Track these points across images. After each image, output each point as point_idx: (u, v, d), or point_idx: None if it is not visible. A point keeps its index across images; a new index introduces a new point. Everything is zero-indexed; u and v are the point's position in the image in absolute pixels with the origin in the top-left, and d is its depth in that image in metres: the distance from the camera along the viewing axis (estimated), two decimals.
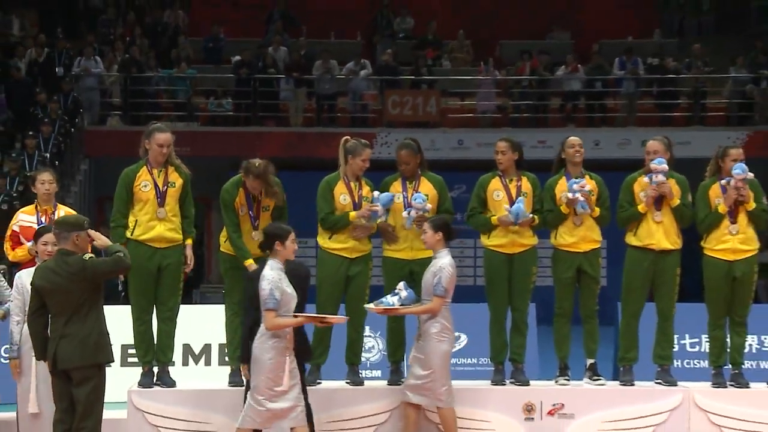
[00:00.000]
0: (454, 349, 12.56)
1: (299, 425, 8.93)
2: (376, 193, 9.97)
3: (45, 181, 10.29)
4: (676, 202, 10.09)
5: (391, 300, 9.56)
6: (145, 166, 9.90)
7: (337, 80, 24.77)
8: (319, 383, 10.16)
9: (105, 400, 8.79)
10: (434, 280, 9.49)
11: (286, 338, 8.91)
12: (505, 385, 10.24)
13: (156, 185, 9.86)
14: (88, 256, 8.56)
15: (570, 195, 10.05)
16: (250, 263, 9.74)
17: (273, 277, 8.86)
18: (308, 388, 10.05)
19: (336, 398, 10.06)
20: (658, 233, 10.16)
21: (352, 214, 9.95)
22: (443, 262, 9.55)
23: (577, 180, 10.09)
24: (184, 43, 26.19)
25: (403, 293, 9.55)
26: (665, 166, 9.99)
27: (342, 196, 10.02)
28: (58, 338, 8.42)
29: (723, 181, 10.09)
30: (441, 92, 25.01)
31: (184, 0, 28.00)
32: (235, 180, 9.99)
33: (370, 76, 25.01)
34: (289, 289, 8.94)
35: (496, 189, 10.24)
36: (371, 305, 9.65)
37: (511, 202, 10.11)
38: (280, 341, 8.87)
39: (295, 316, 9.01)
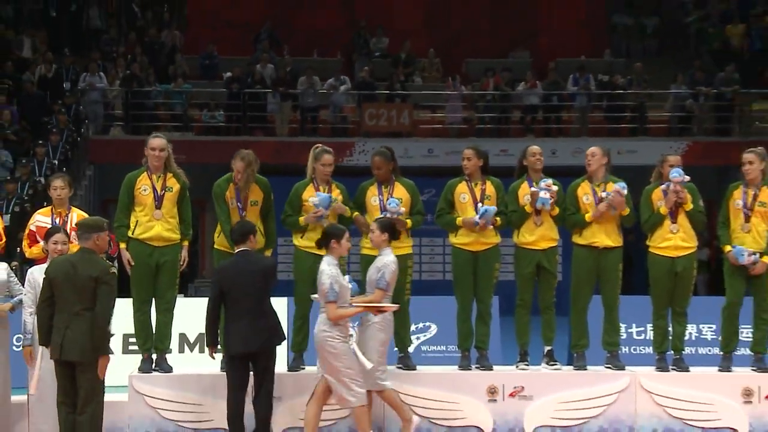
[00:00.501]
0: (425, 338, 12.70)
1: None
2: (312, 199, 9.97)
3: (57, 187, 10.25)
4: (627, 211, 10.17)
5: None
6: (145, 172, 9.94)
7: (319, 94, 24.78)
8: (303, 369, 10.17)
9: (108, 384, 8.80)
10: (378, 275, 9.49)
11: (346, 326, 9.09)
12: (470, 370, 10.25)
13: (154, 189, 9.89)
14: (113, 270, 8.54)
15: (534, 189, 10.12)
16: None
17: (332, 272, 9.05)
18: (292, 372, 10.13)
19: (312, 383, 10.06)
20: (601, 233, 10.21)
21: (301, 219, 10.03)
22: (387, 259, 9.57)
23: (545, 179, 10.15)
24: (181, 61, 26.19)
25: (349, 285, 9.56)
26: (624, 190, 10.05)
27: (311, 199, 10.03)
28: (64, 329, 8.35)
29: (664, 186, 10.15)
30: (413, 105, 25.07)
31: (181, 21, 27.96)
32: (227, 176, 10.04)
33: (349, 91, 25.03)
34: (345, 282, 9.14)
35: (462, 192, 10.26)
36: (317, 296, 9.60)
37: (475, 204, 10.16)
38: (342, 329, 9.05)
39: (351, 305, 9.23)
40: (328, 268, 9.11)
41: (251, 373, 9.38)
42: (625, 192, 10.07)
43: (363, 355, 9.51)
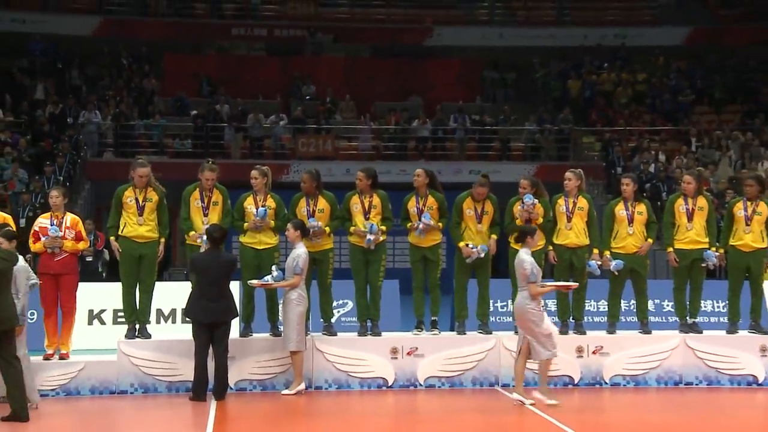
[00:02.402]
0: (343, 311, 12.63)
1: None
2: (258, 210, 9.88)
3: (53, 196, 10.06)
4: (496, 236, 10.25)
5: (267, 278, 9.59)
6: (131, 186, 9.85)
7: (263, 128, 24.59)
8: (251, 335, 10.08)
9: (101, 348, 8.64)
10: (294, 263, 9.50)
11: (539, 300, 9.06)
12: (366, 336, 10.21)
13: (137, 200, 9.80)
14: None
15: (412, 224, 10.14)
16: (193, 234, 9.82)
17: (531, 260, 9.05)
18: (243, 338, 10.02)
19: (262, 346, 9.97)
20: (478, 237, 10.25)
21: (245, 225, 9.97)
22: (300, 251, 9.57)
23: (426, 218, 10.06)
24: (158, 102, 25.83)
25: (275, 273, 9.60)
26: (480, 251, 10.09)
27: (250, 207, 9.99)
28: (10, 305, 8.10)
29: (522, 206, 10.22)
30: (335, 136, 24.98)
31: (158, 72, 27.57)
32: (195, 184, 10.03)
33: (286, 125, 24.91)
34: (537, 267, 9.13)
35: (355, 203, 10.23)
36: (255, 281, 9.63)
37: (365, 213, 10.12)
38: (538, 302, 9.02)
39: (542, 286, 9.18)
40: (528, 257, 9.07)
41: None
42: (476, 252, 10.09)
43: (284, 325, 9.52)
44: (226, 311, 9.27)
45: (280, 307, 9.86)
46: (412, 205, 10.24)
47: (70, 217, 9.97)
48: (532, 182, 10.38)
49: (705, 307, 12.26)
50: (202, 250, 9.55)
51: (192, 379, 9.31)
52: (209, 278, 9.22)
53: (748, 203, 10.45)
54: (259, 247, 9.99)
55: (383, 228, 10.17)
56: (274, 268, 9.64)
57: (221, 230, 9.50)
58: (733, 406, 9.56)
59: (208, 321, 9.19)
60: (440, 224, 10.21)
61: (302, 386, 9.65)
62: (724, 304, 11.27)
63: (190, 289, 9.57)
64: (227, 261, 9.39)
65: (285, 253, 9.98)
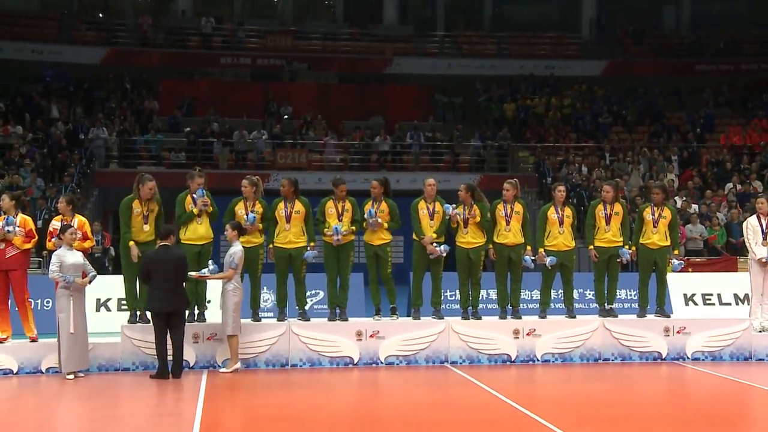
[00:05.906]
0: (316, 300, 12.56)
1: None
2: (248, 215, 9.79)
3: (59, 203, 10.06)
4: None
5: (204, 270, 9.40)
6: (137, 199, 9.69)
7: (247, 143, 24.43)
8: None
9: (108, 331, 8.52)
10: (230, 259, 9.36)
11: None
12: (336, 321, 10.16)
13: (143, 212, 9.68)
14: None
15: (369, 219, 10.06)
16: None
17: None
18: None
19: (246, 329, 9.87)
20: (429, 232, 10.21)
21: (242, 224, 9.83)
22: (236, 248, 9.43)
23: (371, 216, 10.02)
24: (156, 120, 25.58)
25: (211, 267, 9.40)
26: (443, 250, 10.08)
27: (240, 211, 9.90)
28: None
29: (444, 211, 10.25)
30: (308, 150, 24.90)
31: (156, 95, 27.30)
32: (184, 192, 9.93)
33: (267, 140, 24.77)
34: None
35: (330, 207, 10.17)
36: (193, 273, 9.39)
37: (338, 215, 10.06)
38: None
39: None
40: None
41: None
42: (439, 250, 10.07)
43: (222, 313, 9.29)
44: (181, 301, 9.15)
45: (219, 296, 9.67)
46: (367, 209, 10.21)
47: (77, 220, 9.83)
48: (468, 187, 10.37)
49: (620, 295, 12.40)
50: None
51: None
52: (164, 272, 9.04)
53: (655, 208, 10.61)
54: (247, 246, 9.88)
55: (353, 228, 10.13)
56: (210, 262, 9.51)
57: (166, 228, 9.33)
58: (642, 377, 9.67)
59: (166, 311, 9.05)
60: (386, 225, 10.15)
61: (238, 365, 9.46)
62: (635, 292, 11.38)
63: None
64: (178, 256, 9.23)
65: (219, 248, 9.87)
